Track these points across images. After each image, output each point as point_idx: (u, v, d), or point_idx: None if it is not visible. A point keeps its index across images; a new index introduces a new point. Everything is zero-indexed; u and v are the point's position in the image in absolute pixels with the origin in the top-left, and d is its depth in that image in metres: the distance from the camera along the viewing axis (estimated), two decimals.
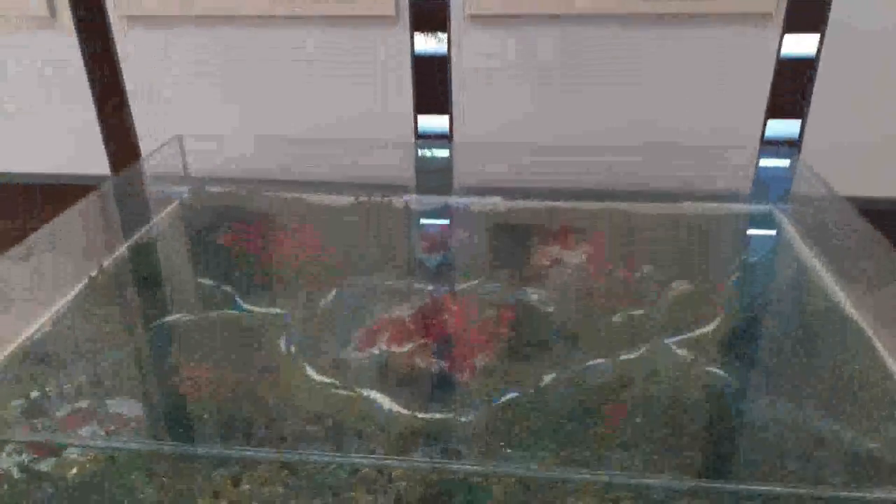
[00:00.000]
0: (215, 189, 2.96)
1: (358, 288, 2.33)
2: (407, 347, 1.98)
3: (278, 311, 2.20)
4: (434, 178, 3.23)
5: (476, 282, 2.38)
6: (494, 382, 1.87)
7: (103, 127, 3.52)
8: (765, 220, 2.73)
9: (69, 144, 3.49)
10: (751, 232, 2.67)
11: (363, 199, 2.90)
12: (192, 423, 1.70)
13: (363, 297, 2.26)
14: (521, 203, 2.87)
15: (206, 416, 1.72)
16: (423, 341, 2.00)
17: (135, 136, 3.49)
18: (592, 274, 2.39)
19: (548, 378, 1.88)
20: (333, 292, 2.31)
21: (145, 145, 3.45)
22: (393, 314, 2.16)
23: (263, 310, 2.20)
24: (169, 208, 2.80)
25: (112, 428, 1.64)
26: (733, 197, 2.98)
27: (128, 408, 1.70)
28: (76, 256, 2.45)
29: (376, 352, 1.97)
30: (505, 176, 3.15)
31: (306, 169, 3.18)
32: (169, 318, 2.13)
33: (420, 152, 3.33)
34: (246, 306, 2.22)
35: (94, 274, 2.28)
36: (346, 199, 2.92)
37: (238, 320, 2.14)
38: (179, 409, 1.75)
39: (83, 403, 1.74)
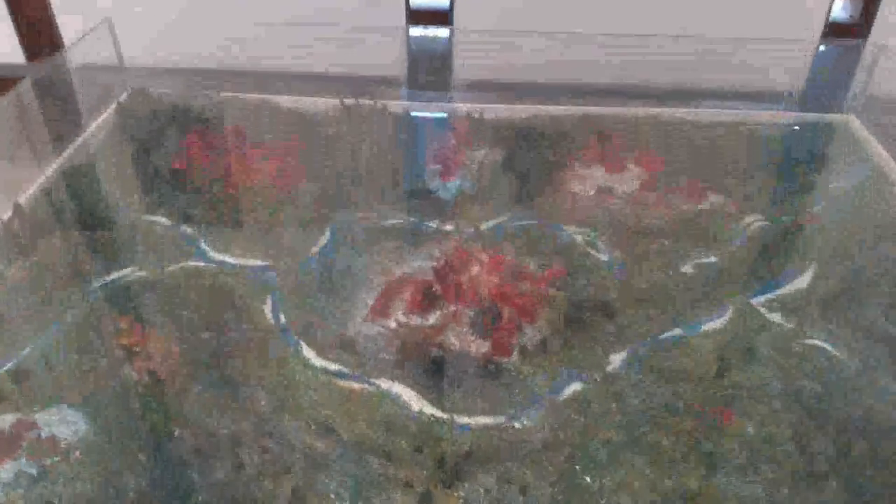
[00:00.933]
0: (160, 89, 2.37)
1: (356, 229, 1.86)
2: (431, 318, 1.56)
3: (258, 261, 1.73)
4: (432, 74, 2.67)
5: (504, 218, 1.92)
6: (550, 365, 1.48)
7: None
8: (844, 131, 2.30)
9: None
10: (831, 148, 2.24)
11: (349, 101, 2.36)
12: (157, 444, 1.27)
13: (365, 243, 1.80)
14: (546, 108, 2.37)
15: (174, 432, 1.29)
16: (451, 308, 1.58)
17: (52, 15, 2.80)
18: (648, 206, 1.96)
19: (617, 358, 1.49)
20: (326, 235, 1.84)
21: (67, 27, 2.78)
22: (406, 268, 1.71)
23: (238, 260, 1.73)
24: (103, 116, 2.22)
25: (47, 461, 1.21)
26: (797, 101, 2.53)
27: (67, 426, 1.26)
28: None
29: (392, 324, 1.54)
30: (518, 71, 2.62)
31: (273, 62, 2.58)
32: (114, 277, 1.65)
33: (413, 39, 2.74)
34: (214, 255, 1.74)
35: (7, 217, 1.75)
36: (326, 103, 2.37)
37: (205, 276, 1.66)
38: (136, 422, 1.32)
39: (4, 418, 1.30)
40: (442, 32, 2.74)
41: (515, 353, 1.47)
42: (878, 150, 2.16)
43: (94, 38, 2.30)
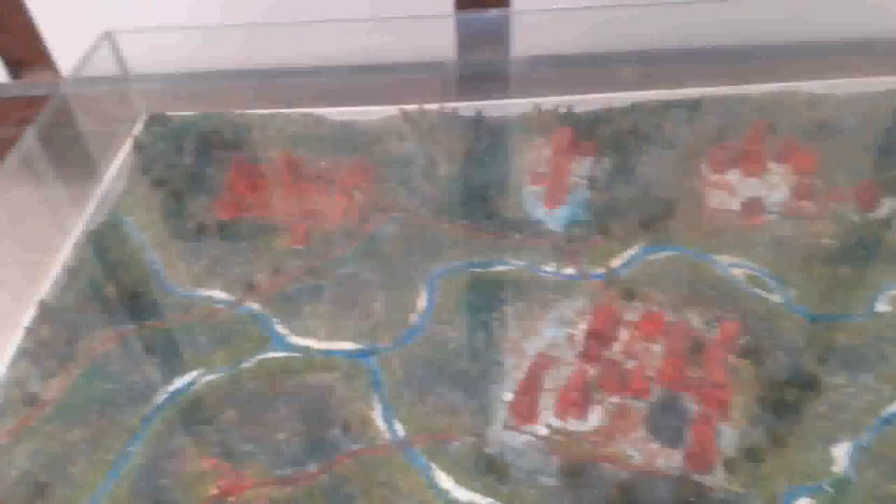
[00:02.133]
0: (179, 110, 2.00)
1: (457, 283, 1.53)
2: (592, 419, 1.24)
3: (350, 344, 1.41)
4: (487, 64, 2.29)
5: (635, 250, 1.59)
6: (765, 479, 1.16)
7: None
8: None
9: None
10: None
11: (410, 109, 1.99)
12: None
13: (474, 305, 1.47)
14: (641, 94, 2.00)
15: None
16: (615, 399, 1.26)
17: (33, 24, 2.40)
18: (809, 219, 1.62)
19: (839, 453, 1.19)
20: (423, 295, 1.51)
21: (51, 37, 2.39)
22: (538, 340, 1.38)
23: (325, 344, 1.40)
24: (119, 156, 1.86)
25: None
26: None
27: None
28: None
29: (542, 430, 1.23)
30: (592, 50, 2.24)
31: (298, 59, 2.19)
32: (178, 386, 1.32)
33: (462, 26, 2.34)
34: (295, 340, 1.41)
35: (30, 319, 1.42)
36: (382, 111, 2.00)
37: (291, 373, 1.34)
38: None
39: None
40: (496, 14, 2.35)
41: (718, 466, 1.16)
42: None
43: (95, 57, 1.92)
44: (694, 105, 1.95)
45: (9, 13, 2.46)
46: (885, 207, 1.61)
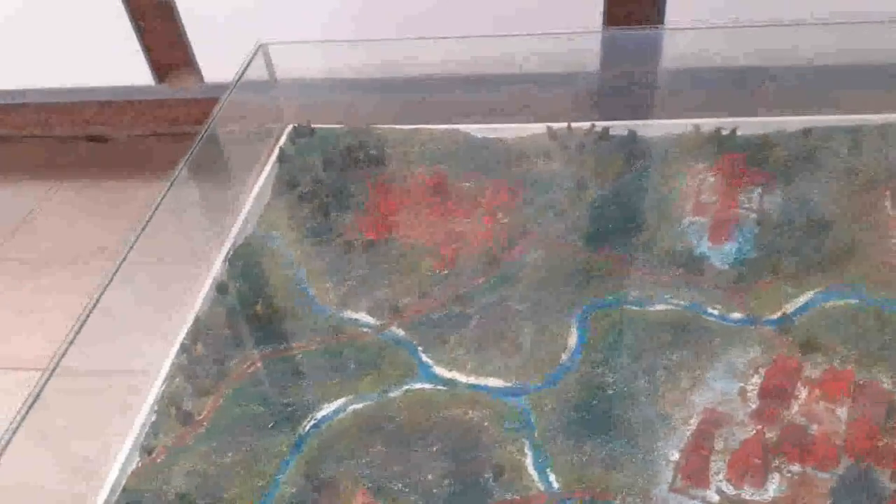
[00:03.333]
0: (325, 123, 2.02)
1: (615, 316, 1.46)
2: (771, 488, 1.14)
3: (498, 381, 1.36)
4: (639, 82, 2.18)
5: (811, 294, 1.46)
6: None
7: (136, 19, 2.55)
8: None
9: (94, 49, 2.56)
10: None
11: (559, 127, 1.93)
12: None
13: (632, 347, 1.39)
14: (819, 119, 1.85)
15: None
16: (796, 468, 1.16)
17: (182, 29, 2.51)
18: None
19: None
20: (573, 331, 1.45)
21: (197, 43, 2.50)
22: (707, 392, 1.29)
23: (472, 378, 1.37)
24: (266, 169, 1.90)
25: None
26: None
27: None
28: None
29: (715, 498, 1.14)
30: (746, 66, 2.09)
31: (440, 72, 2.17)
32: (325, 413, 1.32)
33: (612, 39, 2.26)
34: (441, 372, 1.39)
35: (184, 338, 1.46)
36: (528, 129, 1.95)
37: (438, 406, 1.31)
38: None
39: None
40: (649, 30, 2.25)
41: None
42: None
43: (252, 68, 1.97)
44: (878, 132, 1.77)
45: (158, 17, 2.60)
46: None
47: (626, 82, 2.19)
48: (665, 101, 2.12)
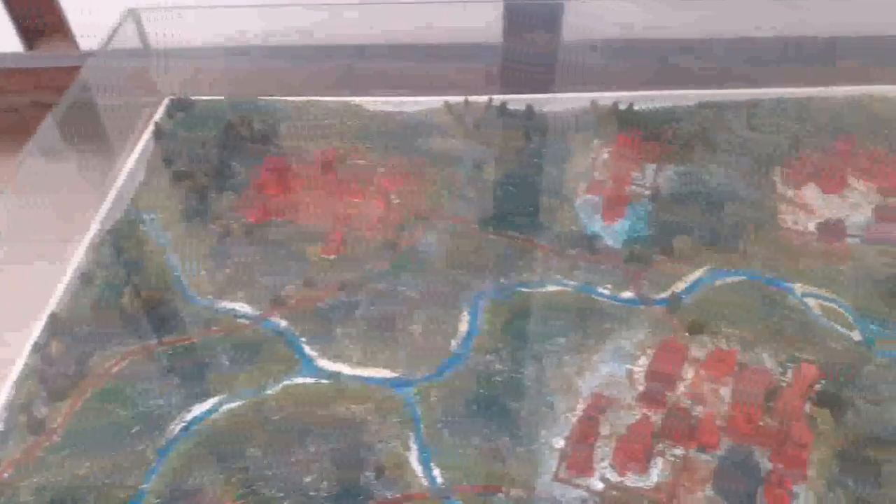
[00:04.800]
0: (204, 95, 1.89)
1: (508, 300, 1.43)
2: (653, 472, 1.15)
3: (385, 371, 1.31)
4: (539, 55, 2.14)
5: (701, 272, 1.47)
6: None
7: None
8: None
9: None
10: None
11: (456, 101, 1.87)
12: None
13: (523, 334, 1.37)
14: (715, 93, 1.86)
15: None
16: (680, 451, 1.16)
17: None
18: (882, 232, 1.49)
19: None
20: (465, 317, 1.41)
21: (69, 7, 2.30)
22: (593, 377, 1.28)
23: (358, 370, 1.31)
24: (139, 145, 1.77)
25: None
26: None
27: None
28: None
29: (598, 485, 1.13)
30: (652, 38, 2.09)
31: (335, 39, 2.06)
32: (197, 413, 1.24)
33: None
34: (325, 364, 1.33)
35: (36, 338, 1.34)
36: (425, 102, 1.89)
37: (320, 402, 1.25)
38: None
39: None
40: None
41: None
42: None
43: (119, 34, 1.82)
44: (771, 107, 1.80)
45: None
46: None
47: (527, 55, 2.15)
48: (565, 75, 2.09)
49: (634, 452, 1.12)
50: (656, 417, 1.20)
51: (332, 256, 1.50)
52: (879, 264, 1.46)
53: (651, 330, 1.36)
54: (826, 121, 1.76)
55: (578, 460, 1.13)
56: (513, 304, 1.43)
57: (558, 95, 1.88)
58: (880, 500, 1.11)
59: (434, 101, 1.87)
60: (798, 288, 1.44)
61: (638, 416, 1.20)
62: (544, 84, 2.00)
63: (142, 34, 1.89)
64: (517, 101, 1.86)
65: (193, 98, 1.89)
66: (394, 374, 1.31)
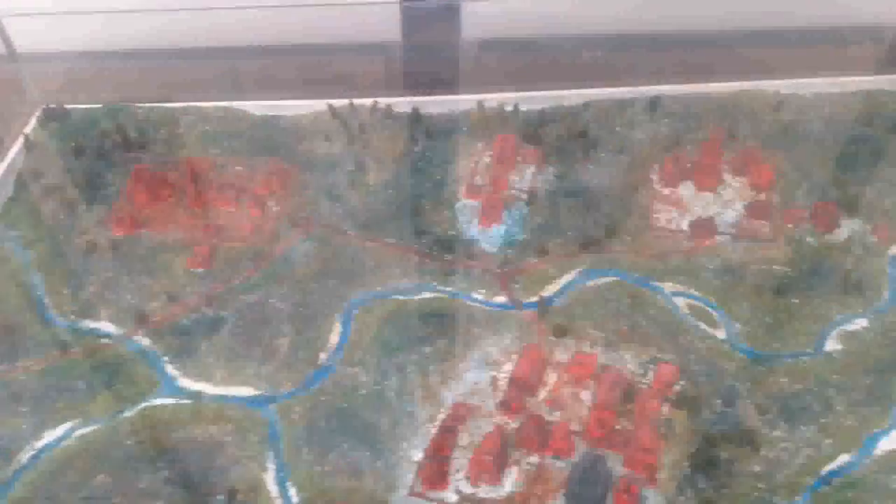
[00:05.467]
0: (80, 103, 1.83)
1: (382, 309, 1.42)
2: (507, 482, 1.15)
3: (248, 389, 1.30)
4: (436, 52, 2.14)
5: (573, 275, 1.49)
6: None
7: None
8: None
9: None
10: None
11: (340, 104, 1.85)
12: None
13: (393, 344, 1.36)
14: (602, 92, 1.88)
15: None
16: (535, 459, 1.17)
17: None
18: (763, 241, 1.53)
19: None
20: (337, 328, 1.40)
21: None
22: (458, 386, 1.28)
23: (221, 389, 1.30)
24: (8, 157, 1.70)
25: None
26: None
27: None
28: None
29: (452, 498, 1.14)
30: (545, 36, 2.10)
31: (216, 43, 2.02)
32: (47, 441, 1.21)
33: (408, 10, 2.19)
34: (187, 384, 1.30)
35: None
36: (310, 106, 1.86)
37: (178, 424, 1.23)
38: None
39: None
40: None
41: None
42: None
43: None
44: (651, 104, 1.83)
45: None
46: (845, 230, 1.52)
47: (424, 56, 2.14)
48: (459, 75, 2.09)
49: (485, 464, 1.12)
50: (513, 425, 1.21)
51: (200, 269, 1.48)
52: (747, 262, 1.50)
53: (519, 335, 1.37)
54: (705, 118, 1.80)
55: (433, 473, 1.13)
56: (386, 312, 1.42)
57: (446, 97, 1.87)
58: (727, 499, 1.14)
59: (318, 104, 1.84)
60: (668, 287, 1.47)
61: (499, 424, 1.21)
62: (440, 85, 1.99)
63: (6, 41, 1.81)
64: (403, 104, 1.84)
65: (68, 107, 1.82)
66: (257, 392, 1.29)
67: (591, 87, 1.89)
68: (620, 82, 1.89)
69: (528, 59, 2.11)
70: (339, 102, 1.85)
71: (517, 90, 1.89)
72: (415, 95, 1.88)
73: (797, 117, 1.77)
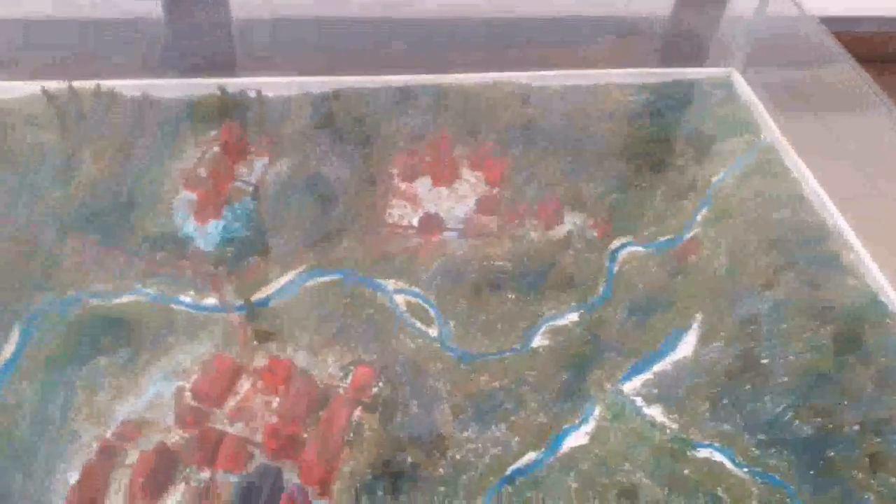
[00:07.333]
0: None
1: (70, 317, 1.31)
2: (174, 500, 1.09)
3: None
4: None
5: (294, 274, 1.44)
6: None
7: None
8: (726, 93, 1.96)
9: None
10: (710, 119, 1.89)
11: (56, 87, 1.70)
12: None
13: (71, 357, 1.26)
14: (357, 80, 1.84)
15: None
16: (206, 475, 1.12)
17: None
18: (489, 238, 1.55)
19: None
20: (14, 337, 1.28)
21: None
22: (135, 402, 1.20)
23: None
24: None
25: None
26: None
27: None
28: None
29: None
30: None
31: None
32: None
33: None
34: None
35: None
36: (18, 90, 1.70)
37: None
38: None
39: None
40: None
41: None
42: (767, 121, 1.85)
43: None
44: (400, 95, 1.81)
45: None
46: (568, 225, 1.58)
47: (185, 36, 2.02)
48: (218, 58, 1.99)
49: (139, 488, 1.06)
50: (185, 440, 1.15)
51: None
52: (471, 258, 1.51)
53: (219, 342, 1.31)
54: (454, 110, 1.80)
55: (82, 498, 1.06)
56: (72, 319, 1.32)
57: (180, 81, 1.77)
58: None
59: (31, 86, 1.68)
60: (391, 285, 1.46)
61: (175, 439, 1.15)
62: (200, 69, 1.88)
63: None
64: (131, 87, 1.72)
65: None
66: None
67: (342, 74, 1.85)
68: (373, 71, 1.87)
69: (290, 42, 2.05)
70: (54, 85, 1.70)
71: (266, 76, 1.82)
72: (152, 79, 1.76)
73: (541, 110, 1.82)
